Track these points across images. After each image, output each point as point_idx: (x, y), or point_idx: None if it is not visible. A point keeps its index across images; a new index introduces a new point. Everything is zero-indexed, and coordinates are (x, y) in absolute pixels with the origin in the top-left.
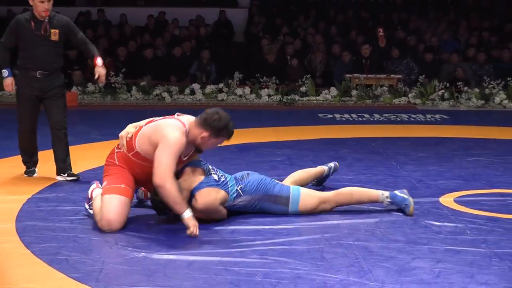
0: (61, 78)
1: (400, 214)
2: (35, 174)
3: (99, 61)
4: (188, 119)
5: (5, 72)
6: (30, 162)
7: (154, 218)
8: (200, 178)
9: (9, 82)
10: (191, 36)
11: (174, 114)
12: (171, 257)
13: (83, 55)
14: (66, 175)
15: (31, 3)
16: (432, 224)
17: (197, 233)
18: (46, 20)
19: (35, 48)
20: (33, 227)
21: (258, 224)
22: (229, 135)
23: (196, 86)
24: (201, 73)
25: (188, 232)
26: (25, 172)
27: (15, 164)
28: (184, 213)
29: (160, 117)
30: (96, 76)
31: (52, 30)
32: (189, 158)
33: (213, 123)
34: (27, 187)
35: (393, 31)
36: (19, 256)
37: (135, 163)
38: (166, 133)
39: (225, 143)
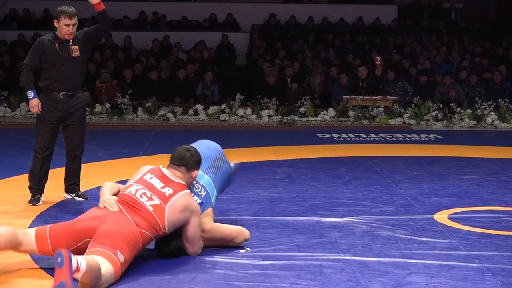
0: (82, 98)
1: (396, 230)
2: (40, 203)
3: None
4: (174, 174)
5: (30, 94)
6: (36, 189)
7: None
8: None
9: (35, 103)
10: (194, 59)
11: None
12: (174, 271)
13: (94, 76)
14: (74, 195)
15: (56, 25)
16: (426, 240)
17: None
18: (70, 43)
19: (59, 69)
20: None
21: (258, 240)
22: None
23: (199, 107)
24: (210, 92)
25: None
26: (30, 201)
27: (25, 182)
28: None
29: (144, 172)
30: None
31: (73, 47)
32: None
33: (194, 159)
34: (37, 204)
35: (388, 55)
36: (29, 271)
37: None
38: (193, 205)
39: None
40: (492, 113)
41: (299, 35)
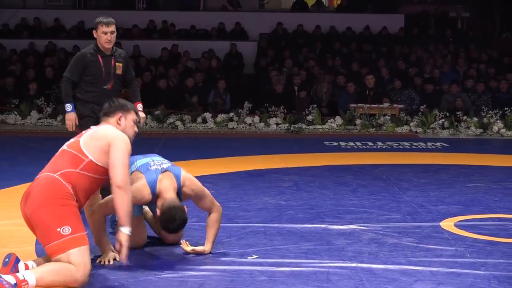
0: None
1: (403, 238)
2: None
3: (139, 106)
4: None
5: (68, 107)
6: None
7: (158, 241)
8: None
9: (72, 117)
10: (203, 68)
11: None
12: (182, 277)
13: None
14: None
15: (95, 35)
16: (433, 247)
17: (126, 254)
18: (113, 55)
19: (101, 83)
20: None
21: (266, 247)
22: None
23: (208, 115)
24: (221, 100)
25: (117, 246)
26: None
27: None
28: (126, 228)
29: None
30: (141, 121)
31: (117, 64)
32: None
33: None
34: None
35: (395, 63)
36: None
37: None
38: (117, 133)
39: (235, 169)
40: (498, 121)
41: (307, 43)
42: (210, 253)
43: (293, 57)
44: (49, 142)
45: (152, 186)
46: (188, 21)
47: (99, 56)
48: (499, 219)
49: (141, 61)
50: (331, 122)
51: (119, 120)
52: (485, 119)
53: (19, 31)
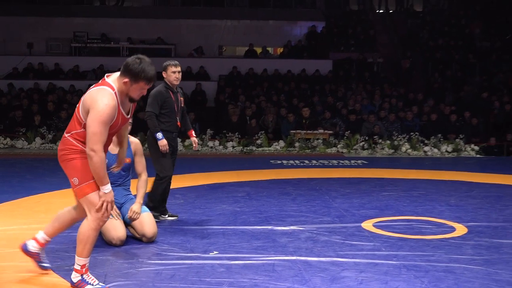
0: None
1: (332, 236)
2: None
3: (192, 133)
4: (115, 76)
5: (160, 135)
6: (164, 209)
7: (136, 241)
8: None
9: (165, 143)
10: None
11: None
12: (157, 270)
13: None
14: (166, 216)
15: (164, 75)
16: (356, 243)
17: (109, 209)
18: (179, 91)
19: (174, 114)
20: (52, 249)
21: (224, 244)
22: (147, 79)
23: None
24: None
25: (101, 204)
26: (169, 216)
27: (37, 200)
28: (106, 187)
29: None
30: (195, 145)
31: (180, 98)
32: (131, 114)
33: (131, 67)
34: (48, 218)
35: (325, 98)
36: (40, 272)
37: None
38: (96, 100)
39: (200, 183)
40: (406, 143)
41: (256, 83)
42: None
43: (245, 94)
44: (51, 163)
45: None
46: (162, 65)
47: (170, 92)
48: (407, 220)
49: None
50: (276, 145)
51: (125, 84)
52: (395, 141)
53: (26, 73)
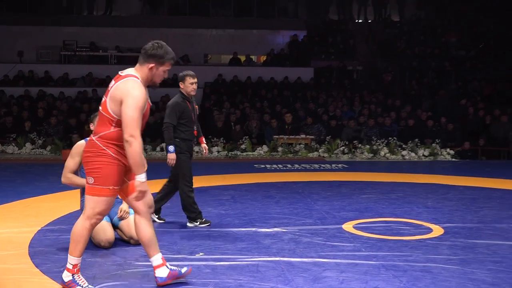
0: None
1: (314, 237)
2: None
3: (204, 140)
4: (131, 69)
5: (171, 148)
6: (200, 212)
7: (124, 243)
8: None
9: (173, 157)
10: (161, 109)
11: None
12: (145, 271)
13: (83, 123)
14: (198, 223)
15: (181, 86)
16: (337, 244)
17: (145, 197)
18: (193, 101)
19: (192, 123)
20: (41, 251)
21: (210, 245)
22: (172, 58)
23: (164, 144)
24: None
25: (136, 194)
26: (202, 222)
27: (27, 204)
28: (141, 176)
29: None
30: (205, 151)
31: (195, 107)
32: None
33: (154, 52)
34: (38, 221)
35: (307, 104)
36: (30, 274)
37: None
38: (128, 89)
39: None
40: (384, 148)
41: (240, 90)
42: (128, 211)
43: (230, 100)
44: (40, 167)
45: None
46: None
47: (187, 102)
48: (386, 222)
49: None
50: (259, 150)
51: (151, 69)
52: (374, 146)
53: (16, 81)
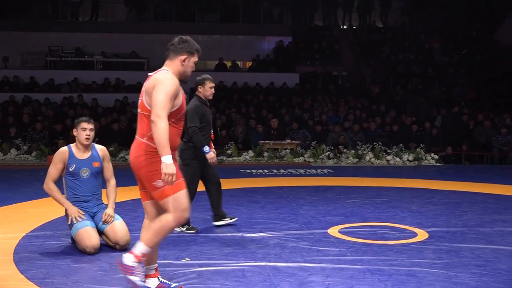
0: None
1: (300, 242)
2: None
3: (212, 144)
4: (160, 69)
5: (206, 148)
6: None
7: (110, 249)
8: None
9: (213, 155)
10: None
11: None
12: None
13: (69, 128)
14: (184, 228)
15: (200, 89)
16: (322, 249)
17: (173, 180)
18: (209, 105)
19: (210, 126)
20: (26, 258)
21: (196, 251)
22: (199, 51)
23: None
24: None
25: (163, 178)
26: (189, 228)
27: (13, 210)
28: (166, 157)
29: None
30: (214, 160)
31: (211, 111)
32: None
33: (184, 45)
34: (23, 227)
35: (292, 110)
36: (15, 280)
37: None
38: (159, 78)
39: None
40: (369, 153)
41: (226, 95)
42: (112, 216)
43: (216, 106)
44: (25, 173)
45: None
46: (135, 78)
47: (205, 106)
48: (371, 226)
49: (99, 109)
50: (245, 155)
51: (183, 61)
52: (359, 151)
53: (1, 86)
